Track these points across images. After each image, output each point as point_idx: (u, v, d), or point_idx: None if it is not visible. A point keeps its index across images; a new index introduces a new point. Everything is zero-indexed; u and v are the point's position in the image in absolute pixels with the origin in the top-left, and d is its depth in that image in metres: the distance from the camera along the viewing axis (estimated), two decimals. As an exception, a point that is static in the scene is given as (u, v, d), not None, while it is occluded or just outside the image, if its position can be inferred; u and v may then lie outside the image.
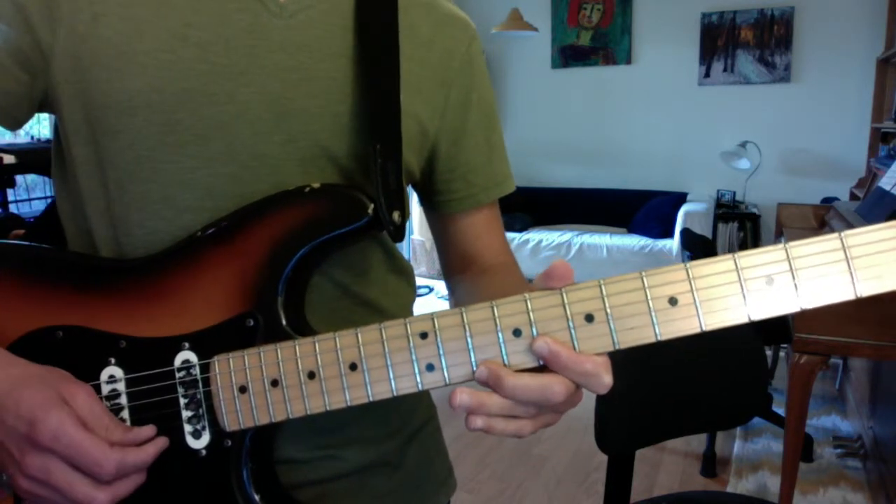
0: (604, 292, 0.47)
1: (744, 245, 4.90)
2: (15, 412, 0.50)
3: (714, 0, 5.07)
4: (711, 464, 2.57)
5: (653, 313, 0.46)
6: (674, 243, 4.69)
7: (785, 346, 3.25)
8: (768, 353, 3.30)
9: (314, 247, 0.58)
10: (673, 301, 0.46)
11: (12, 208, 3.45)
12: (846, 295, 0.43)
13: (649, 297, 0.47)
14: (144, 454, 0.54)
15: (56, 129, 0.66)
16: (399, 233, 0.61)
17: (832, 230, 2.43)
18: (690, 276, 0.46)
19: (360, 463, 0.71)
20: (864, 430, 2.62)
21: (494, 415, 0.49)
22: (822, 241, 0.43)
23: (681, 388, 1.38)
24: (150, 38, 0.59)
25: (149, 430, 0.56)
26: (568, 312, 0.48)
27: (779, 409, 2.83)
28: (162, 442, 0.56)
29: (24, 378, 0.53)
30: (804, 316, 1.85)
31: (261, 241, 0.59)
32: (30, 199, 3.69)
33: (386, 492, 0.73)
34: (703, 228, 4.50)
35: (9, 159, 2.88)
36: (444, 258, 0.82)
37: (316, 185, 0.60)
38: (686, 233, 3.16)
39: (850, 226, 2.47)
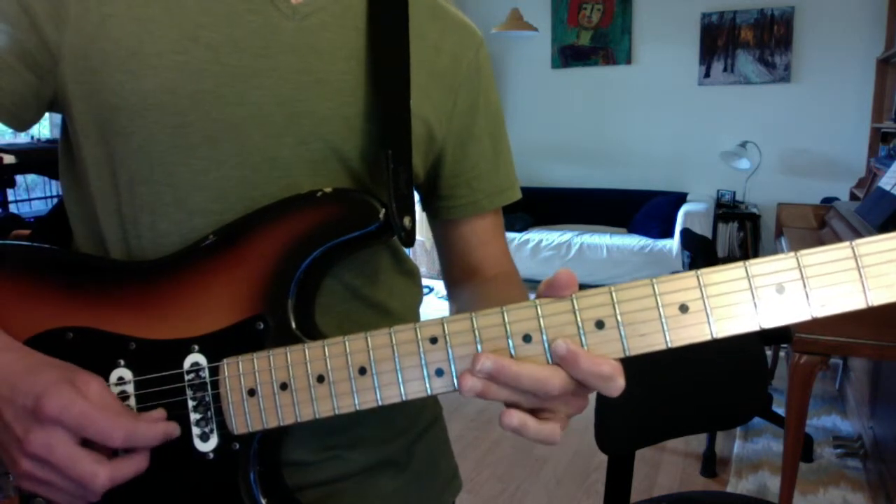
0: (614, 299, 0.47)
1: (744, 245, 4.91)
2: (26, 390, 0.51)
3: (714, 0, 5.07)
4: (711, 464, 2.58)
5: (663, 320, 0.47)
6: (674, 243, 4.69)
7: (785, 346, 3.25)
8: (768, 353, 3.31)
9: (325, 251, 0.59)
10: (684, 308, 0.46)
11: (12, 208, 3.44)
12: (857, 304, 0.43)
13: (660, 304, 0.47)
14: (154, 430, 0.54)
15: (64, 129, 0.66)
16: (410, 238, 0.61)
17: (832, 230, 2.41)
18: (701, 283, 0.46)
19: (367, 463, 0.71)
20: (864, 430, 2.62)
21: (504, 401, 0.49)
22: (833, 249, 0.43)
23: (681, 388, 1.38)
24: (162, 39, 0.59)
25: (159, 412, 0.57)
26: (578, 319, 0.48)
27: (779, 409, 2.84)
28: (173, 426, 0.56)
29: (39, 364, 0.55)
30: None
31: (272, 244, 0.59)
32: (30, 199, 3.69)
33: (392, 492, 0.73)
34: (703, 228, 4.50)
35: (9, 159, 2.88)
36: (446, 266, 0.82)
37: (328, 190, 0.60)
38: (686, 233, 3.16)
39: (850, 226, 2.46)
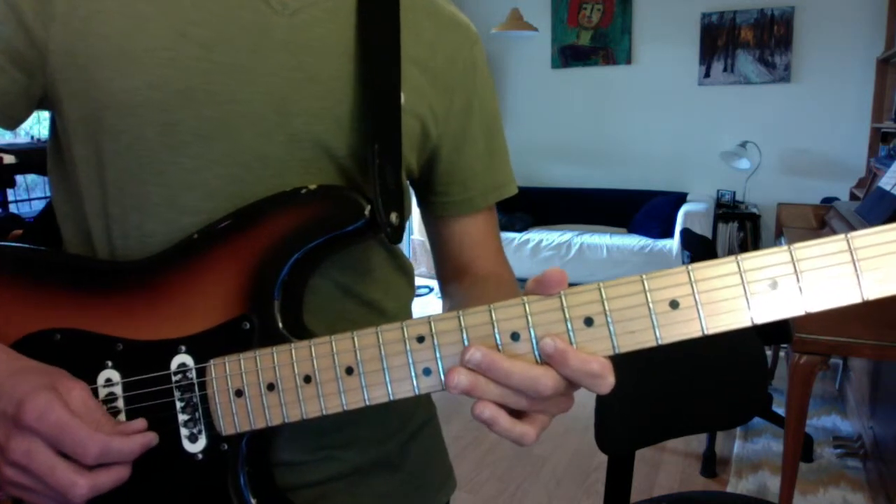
0: (603, 295, 0.47)
1: (744, 245, 4.90)
2: (8, 395, 0.51)
3: (714, 0, 5.06)
4: (711, 464, 2.57)
5: (653, 316, 0.46)
6: (674, 243, 4.68)
7: (785, 346, 3.25)
8: (768, 353, 3.30)
9: (310, 249, 0.58)
10: (674, 304, 0.45)
11: (12, 208, 3.45)
12: (852, 298, 0.42)
13: (650, 300, 0.46)
14: (130, 443, 0.53)
15: (53, 126, 0.65)
16: (396, 235, 0.60)
17: (832, 230, 2.41)
18: (692, 278, 0.45)
19: (360, 463, 0.70)
20: (864, 430, 2.61)
21: (493, 400, 0.48)
22: (827, 242, 0.42)
23: (681, 388, 1.38)
24: (151, 35, 0.58)
25: (139, 423, 0.56)
26: (567, 316, 0.47)
27: (779, 409, 2.83)
28: (150, 436, 0.55)
29: (25, 368, 0.54)
30: (804, 316, 1.85)
31: (257, 243, 0.58)
32: (30, 199, 3.69)
33: (386, 492, 0.73)
34: (703, 228, 4.49)
35: (9, 159, 2.88)
36: (438, 263, 0.81)
37: (313, 187, 0.59)
38: (686, 233, 3.15)
39: (850, 226, 2.46)
